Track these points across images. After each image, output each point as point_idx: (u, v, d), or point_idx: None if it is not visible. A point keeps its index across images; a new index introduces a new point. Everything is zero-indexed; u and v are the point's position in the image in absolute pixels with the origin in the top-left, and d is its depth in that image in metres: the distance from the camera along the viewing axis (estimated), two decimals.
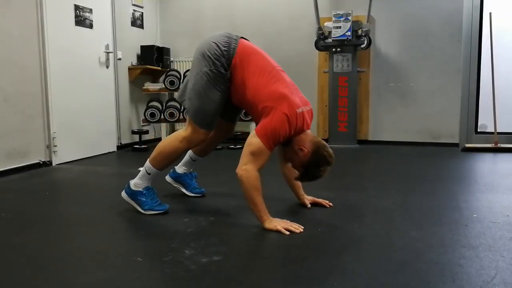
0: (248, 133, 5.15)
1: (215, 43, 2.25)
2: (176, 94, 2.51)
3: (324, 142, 2.24)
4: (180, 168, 2.80)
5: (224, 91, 2.28)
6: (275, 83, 2.19)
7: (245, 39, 2.37)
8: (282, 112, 2.10)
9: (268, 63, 2.27)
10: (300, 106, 2.17)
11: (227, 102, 2.34)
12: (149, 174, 2.41)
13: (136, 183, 2.42)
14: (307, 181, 2.32)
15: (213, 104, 2.27)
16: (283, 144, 2.26)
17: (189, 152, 2.74)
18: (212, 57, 2.22)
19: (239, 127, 5.18)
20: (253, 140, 2.13)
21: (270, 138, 2.11)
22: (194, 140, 2.35)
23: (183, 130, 2.39)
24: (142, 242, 2.06)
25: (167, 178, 2.83)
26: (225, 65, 2.23)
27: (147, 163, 2.41)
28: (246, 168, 2.10)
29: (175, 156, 2.44)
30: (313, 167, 2.20)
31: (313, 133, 2.27)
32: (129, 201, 2.44)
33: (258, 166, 2.12)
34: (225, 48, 2.24)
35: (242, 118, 4.58)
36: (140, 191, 2.41)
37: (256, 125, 2.23)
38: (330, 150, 2.22)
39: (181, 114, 5.07)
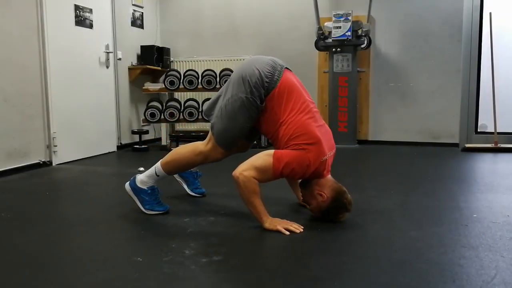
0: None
1: (259, 70, 2.18)
2: (204, 107, 2.46)
3: (344, 189, 2.21)
4: None
5: (254, 120, 2.24)
6: (311, 124, 2.15)
7: (289, 69, 2.31)
8: (307, 157, 2.08)
9: (306, 102, 2.21)
10: (326, 154, 2.15)
11: (252, 128, 2.31)
12: (157, 176, 2.40)
13: (142, 180, 2.41)
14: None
15: (240, 130, 2.25)
16: (302, 186, 2.28)
17: None
18: (251, 85, 2.16)
19: None
20: (265, 158, 2.11)
21: (282, 167, 2.09)
22: (211, 157, 2.34)
23: (202, 144, 2.36)
24: (142, 242, 2.05)
25: None
26: (262, 97, 2.18)
27: (158, 164, 2.39)
28: (244, 173, 2.09)
29: (188, 167, 2.45)
30: (331, 214, 2.21)
31: (333, 179, 2.24)
32: (131, 195, 2.43)
33: (258, 178, 2.11)
34: (267, 80, 2.17)
35: None
36: (144, 189, 2.40)
37: (275, 147, 2.23)
38: (349, 196, 2.20)
39: (181, 114, 5.08)
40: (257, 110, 2.20)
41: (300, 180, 2.32)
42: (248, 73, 2.19)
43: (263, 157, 2.13)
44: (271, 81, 2.18)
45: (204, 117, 2.48)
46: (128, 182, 2.44)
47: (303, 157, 2.08)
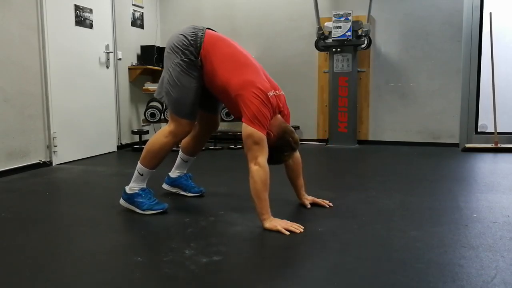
0: None
1: (182, 34, 2.32)
2: (155, 92, 2.53)
3: (292, 128, 2.26)
4: (174, 173, 2.81)
5: (198, 78, 2.32)
6: (244, 69, 2.24)
7: (212, 30, 2.41)
8: (255, 91, 2.14)
9: (236, 50, 2.32)
10: (270, 90, 2.20)
11: (204, 92, 2.38)
12: (141, 175, 2.42)
13: (131, 186, 2.44)
14: (272, 165, 2.28)
15: (190, 92, 2.31)
16: None
17: (180, 154, 2.76)
18: (181, 48, 2.29)
19: (238, 127, 5.20)
20: (250, 131, 2.13)
21: (261, 121, 2.13)
22: (179, 133, 2.38)
23: (167, 126, 2.41)
24: (142, 242, 2.05)
25: (164, 186, 2.84)
26: (195, 53, 2.29)
27: (138, 164, 2.43)
28: (259, 162, 2.10)
29: (164, 152, 2.44)
30: (277, 152, 2.22)
31: (282, 119, 2.28)
32: (128, 206, 2.45)
33: (265, 154, 2.13)
34: (192, 38, 2.30)
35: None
36: (136, 193, 2.41)
37: (231, 113, 2.30)
38: (297, 136, 2.25)
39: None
40: (195, 67, 2.30)
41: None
42: (174, 41, 2.34)
43: (248, 132, 2.13)
44: (196, 38, 2.30)
45: (158, 100, 2.59)
46: (121, 197, 2.48)
47: (255, 99, 2.13)
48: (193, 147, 2.70)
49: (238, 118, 2.27)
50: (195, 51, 2.29)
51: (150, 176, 2.46)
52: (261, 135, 2.12)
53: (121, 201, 2.47)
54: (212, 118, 2.61)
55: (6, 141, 3.56)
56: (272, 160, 2.23)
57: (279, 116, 2.27)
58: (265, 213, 2.13)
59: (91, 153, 4.53)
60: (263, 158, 2.11)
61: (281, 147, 2.21)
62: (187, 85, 2.30)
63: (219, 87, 2.28)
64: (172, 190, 2.83)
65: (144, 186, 2.44)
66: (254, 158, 2.12)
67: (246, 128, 2.14)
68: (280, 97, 2.28)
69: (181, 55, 2.29)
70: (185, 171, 2.82)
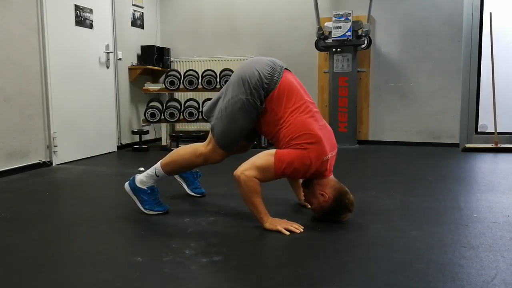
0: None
1: (258, 72, 2.18)
2: (204, 108, 2.46)
3: (346, 189, 2.20)
4: None
5: (254, 121, 2.24)
6: (311, 123, 2.14)
7: (288, 70, 2.31)
8: (308, 156, 2.07)
9: (306, 102, 2.21)
10: (327, 154, 2.14)
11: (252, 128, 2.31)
12: (157, 176, 2.40)
13: (142, 180, 2.41)
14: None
15: (240, 131, 2.25)
16: (304, 186, 2.27)
17: None
18: (251, 86, 2.16)
19: None
20: (266, 157, 2.11)
21: (284, 166, 2.08)
22: (211, 159, 2.34)
23: (203, 146, 2.36)
24: (142, 242, 2.05)
25: None
26: (262, 98, 2.19)
27: (158, 166, 2.39)
28: (245, 173, 2.09)
29: (188, 168, 2.45)
30: (333, 214, 2.20)
31: (335, 179, 2.24)
32: (131, 195, 2.43)
33: (259, 178, 2.10)
34: (267, 81, 2.17)
35: None
36: (144, 189, 2.40)
37: (275, 147, 2.22)
38: (352, 197, 2.19)
39: (181, 114, 5.08)
40: (256, 111, 2.20)
41: (302, 180, 2.32)
42: (248, 74, 2.18)
43: (265, 157, 2.12)
44: (271, 82, 2.18)
45: (204, 118, 2.48)
46: (128, 182, 2.44)
47: (305, 156, 2.07)
48: None
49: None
50: (263, 95, 2.17)
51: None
52: (271, 167, 2.08)
53: (126, 186, 2.44)
54: (245, 145, 2.51)
55: (6, 141, 3.56)
56: (327, 219, 2.23)
57: (332, 177, 2.23)
58: (263, 215, 2.13)
59: (91, 153, 4.53)
60: (253, 173, 2.08)
61: (337, 209, 2.18)
62: (240, 124, 2.22)
63: (279, 134, 2.17)
64: (177, 179, 2.83)
65: (155, 185, 2.43)
66: (244, 169, 2.10)
67: (268, 154, 2.11)
68: (333, 158, 2.23)
69: (249, 94, 2.16)
70: (197, 169, 2.81)
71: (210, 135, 2.34)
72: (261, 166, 2.10)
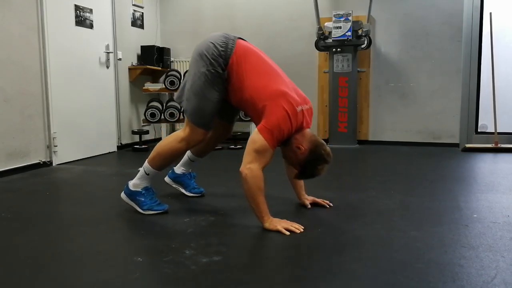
0: (248, 133, 5.18)
1: (213, 43, 2.25)
2: (175, 95, 2.50)
3: (322, 141, 2.24)
4: (178, 169, 2.80)
5: (222, 91, 2.28)
6: (274, 81, 2.20)
7: (243, 39, 2.37)
8: (283, 108, 2.10)
9: (266, 62, 2.28)
10: (300, 104, 2.17)
11: (224, 102, 2.34)
12: (147, 174, 2.41)
13: (135, 183, 2.43)
14: (305, 179, 2.33)
15: (211, 104, 2.27)
16: (283, 143, 2.26)
17: (188, 153, 2.74)
18: (209, 57, 2.22)
19: (239, 127, 5.20)
20: (257, 138, 2.12)
21: (274, 135, 2.10)
22: (192, 141, 2.35)
23: (181, 131, 2.39)
24: (142, 242, 2.05)
25: (166, 179, 2.83)
26: (222, 65, 2.23)
27: (146, 163, 2.41)
28: (251, 167, 2.09)
29: (174, 157, 2.44)
30: (310, 166, 2.20)
31: (311, 132, 2.27)
32: (129, 202, 2.44)
33: (263, 164, 2.12)
34: (223, 48, 2.23)
35: (242, 118, 4.58)
36: (139, 191, 2.41)
37: (256, 125, 2.23)
38: (328, 148, 2.22)
39: (181, 114, 5.08)
40: (221, 79, 2.24)
41: None
42: (204, 48, 2.25)
43: (254, 139, 2.13)
44: (227, 49, 2.23)
45: (177, 103, 2.53)
46: (123, 191, 2.46)
47: (279, 111, 2.10)
48: (203, 149, 2.68)
49: None
50: (223, 63, 2.22)
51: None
52: (265, 145, 2.10)
53: (122, 195, 2.46)
54: (226, 126, 2.58)
55: (6, 141, 3.56)
56: (305, 174, 2.24)
57: (307, 130, 2.24)
58: (264, 215, 2.13)
59: (91, 153, 4.53)
60: (257, 165, 2.10)
61: (314, 161, 2.18)
62: (209, 97, 2.26)
63: (246, 99, 2.22)
64: (173, 185, 2.83)
65: (149, 185, 2.44)
66: (247, 163, 2.11)
67: (255, 134, 2.13)
68: (308, 111, 2.25)
69: (209, 65, 2.22)
70: (190, 170, 2.82)
71: (186, 118, 2.37)
72: (258, 149, 2.11)
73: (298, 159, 2.20)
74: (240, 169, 2.12)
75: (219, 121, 2.49)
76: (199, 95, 2.26)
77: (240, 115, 4.41)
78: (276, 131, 2.10)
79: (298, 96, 2.20)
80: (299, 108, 2.16)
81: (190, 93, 2.30)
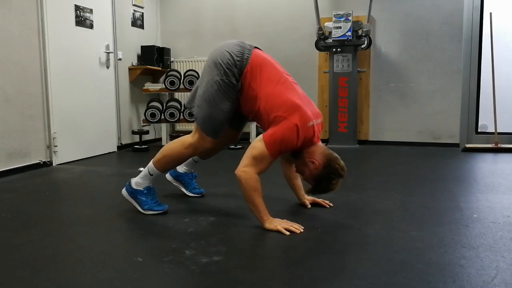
0: (248, 133, 5.18)
1: (228, 52, 2.22)
2: (186, 100, 2.48)
3: (336, 155, 2.21)
4: (181, 168, 2.80)
5: (234, 101, 2.26)
6: (289, 93, 2.17)
7: (259, 48, 2.34)
8: (293, 122, 2.09)
9: (281, 74, 2.25)
10: (312, 120, 2.15)
11: (235, 111, 2.32)
12: (151, 175, 2.41)
13: (137, 182, 2.42)
14: (319, 194, 2.31)
15: (222, 113, 2.26)
16: (294, 156, 2.26)
17: None
18: (224, 66, 2.20)
19: None
20: (258, 145, 2.11)
21: (277, 146, 2.09)
22: (200, 148, 2.34)
23: (190, 136, 2.37)
24: (142, 242, 2.05)
25: (167, 176, 2.83)
26: (237, 76, 2.21)
27: (151, 164, 2.40)
28: (246, 170, 2.10)
29: (180, 161, 2.45)
30: (324, 180, 2.19)
31: (324, 146, 2.24)
32: (129, 199, 2.44)
33: (258, 170, 2.11)
34: (238, 58, 2.21)
35: None
36: (140, 190, 2.41)
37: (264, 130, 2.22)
38: (342, 162, 2.19)
39: (181, 114, 5.08)
40: (234, 90, 2.22)
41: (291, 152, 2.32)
42: (219, 57, 2.23)
43: (256, 145, 2.13)
44: (242, 59, 2.21)
45: (187, 108, 2.50)
46: (124, 188, 2.46)
47: (290, 126, 2.09)
48: (208, 152, 2.67)
49: None
50: (237, 73, 2.20)
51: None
52: (265, 152, 2.09)
53: (123, 192, 2.45)
54: (233, 133, 2.55)
55: (6, 141, 3.56)
56: (320, 189, 2.23)
57: (320, 144, 2.23)
58: (264, 215, 2.13)
59: (91, 153, 4.53)
60: (252, 169, 2.10)
61: (328, 175, 2.17)
62: (221, 106, 2.23)
63: (259, 109, 2.19)
64: (174, 183, 2.83)
65: (151, 185, 2.44)
66: (243, 166, 2.11)
67: (259, 141, 2.13)
68: (319, 125, 2.24)
69: (223, 74, 2.19)
70: (192, 170, 2.82)
71: (195, 124, 2.36)
72: (257, 155, 2.11)
73: (312, 174, 2.20)
74: (236, 171, 2.12)
75: (227, 127, 2.45)
76: (210, 103, 2.24)
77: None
78: (279, 142, 2.09)
79: (310, 110, 2.18)
80: (310, 124, 2.14)
81: (202, 100, 2.27)
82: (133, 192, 2.42)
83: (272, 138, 2.10)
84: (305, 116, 2.12)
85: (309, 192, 2.32)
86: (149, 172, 2.41)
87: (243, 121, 2.54)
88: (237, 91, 2.23)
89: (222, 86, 2.20)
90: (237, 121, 2.49)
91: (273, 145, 2.09)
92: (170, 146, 2.42)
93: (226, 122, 2.33)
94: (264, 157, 2.10)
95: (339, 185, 2.23)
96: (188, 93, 5.47)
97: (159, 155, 2.41)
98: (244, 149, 2.19)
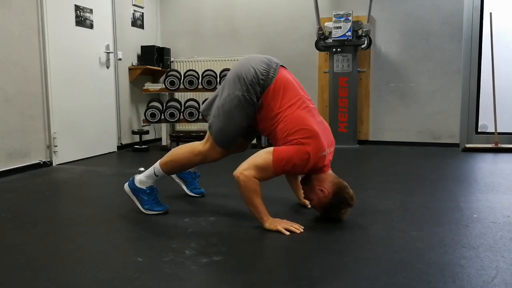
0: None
1: (254, 68, 2.19)
2: (201, 107, 2.47)
3: (345, 183, 2.20)
4: None
5: (251, 117, 2.24)
6: (308, 119, 2.15)
7: (284, 67, 2.32)
8: (307, 150, 2.07)
9: (302, 97, 2.22)
10: (325, 150, 2.14)
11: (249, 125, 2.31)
12: (156, 176, 2.40)
13: (141, 180, 2.41)
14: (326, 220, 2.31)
15: (237, 128, 2.25)
16: (303, 183, 2.26)
17: None
18: (247, 82, 2.17)
19: None
20: (265, 155, 2.11)
21: (283, 164, 2.08)
22: (209, 157, 2.33)
23: (201, 144, 2.35)
24: (142, 242, 2.05)
25: None
26: (258, 94, 2.19)
27: (157, 165, 2.39)
28: (244, 173, 2.09)
29: (187, 167, 2.45)
30: (333, 209, 2.19)
31: (334, 174, 2.23)
32: (130, 195, 2.44)
33: (258, 176, 2.10)
34: (263, 77, 2.19)
35: None
36: (143, 189, 2.40)
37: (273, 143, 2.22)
38: (351, 191, 2.18)
39: (181, 114, 5.08)
40: (253, 107, 2.20)
41: (301, 177, 2.32)
42: (244, 71, 2.20)
43: (263, 155, 2.12)
44: (267, 78, 2.19)
45: (202, 116, 2.48)
46: (127, 183, 2.45)
47: (302, 151, 2.07)
48: None
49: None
50: (260, 91, 2.18)
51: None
52: (270, 165, 2.08)
53: (126, 187, 2.44)
54: (243, 144, 2.52)
55: (6, 141, 3.56)
56: (328, 217, 2.24)
57: (330, 172, 2.22)
58: (263, 215, 2.13)
59: (91, 153, 4.53)
60: (252, 173, 2.09)
61: (337, 204, 2.17)
62: (238, 121, 2.22)
63: (277, 129, 2.17)
64: (176, 180, 2.83)
65: (154, 185, 2.43)
66: (243, 169, 2.10)
67: (267, 152, 2.12)
68: (331, 153, 2.23)
69: (245, 90, 2.17)
70: (196, 170, 2.82)
71: (208, 133, 2.34)
72: (260, 165, 2.10)
73: (321, 202, 2.19)
74: (234, 172, 2.12)
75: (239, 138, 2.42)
76: (228, 116, 2.22)
77: None
78: (286, 161, 2.08)
79: (326, 139, 2.16)
80: (323, 154, 2.13)
81: (220, 112, 2.25)
82: (135, 190, 2.42)
83: (281, 155, 2.09)
84: (319, 145, 2.11)
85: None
86: (154, 173, 2.40)
87: (254, 133, 2.51)
88: (256, 109, 2.22)
89: (242, 102, 2.18)
90: (248, 133, 2.45)
91: (280, 161, 2.08)
92: (179, 151, 2.40)
93: (240, 136, 2.32)
94: (267, 169, 2.09)
95: (347, 214, 2.22)
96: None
97: (166, 158, 2.39)
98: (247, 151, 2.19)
